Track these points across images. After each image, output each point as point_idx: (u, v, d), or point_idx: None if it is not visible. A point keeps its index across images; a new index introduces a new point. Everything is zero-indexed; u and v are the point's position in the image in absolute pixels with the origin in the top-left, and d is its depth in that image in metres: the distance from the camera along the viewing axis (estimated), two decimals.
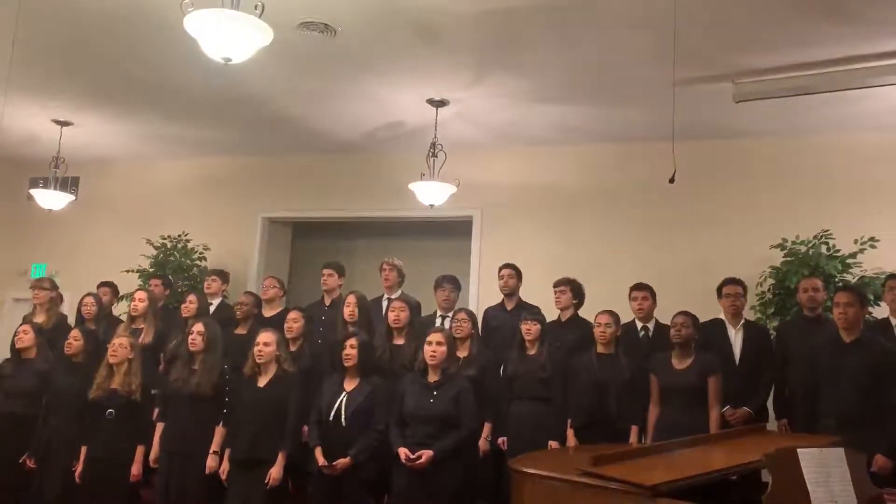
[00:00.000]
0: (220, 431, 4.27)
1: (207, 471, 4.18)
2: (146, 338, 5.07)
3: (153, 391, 4.54)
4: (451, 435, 3.95)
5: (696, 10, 3.90)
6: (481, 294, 6.36)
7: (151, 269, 6.84)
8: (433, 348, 4.08)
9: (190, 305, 5.30)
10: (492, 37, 4.40)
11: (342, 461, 3.95)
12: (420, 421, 3.99)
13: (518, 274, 5.24)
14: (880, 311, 4.71)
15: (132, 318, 5.25)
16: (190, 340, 4.38)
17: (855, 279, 5.07)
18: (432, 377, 4.09)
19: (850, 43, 4.18)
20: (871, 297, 4.72)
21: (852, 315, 4.00)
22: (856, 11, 3.84)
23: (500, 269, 5.28)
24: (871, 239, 5.19)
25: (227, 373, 4.39)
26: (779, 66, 4.52)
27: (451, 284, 5.22)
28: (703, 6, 3.89)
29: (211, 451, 4.22)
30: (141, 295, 5.34)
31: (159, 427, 4.36)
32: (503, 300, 5.27)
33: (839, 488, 2.74)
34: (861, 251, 5.19)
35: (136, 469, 4.30)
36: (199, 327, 4.42)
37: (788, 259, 5.33)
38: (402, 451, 3.92)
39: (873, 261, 5.13)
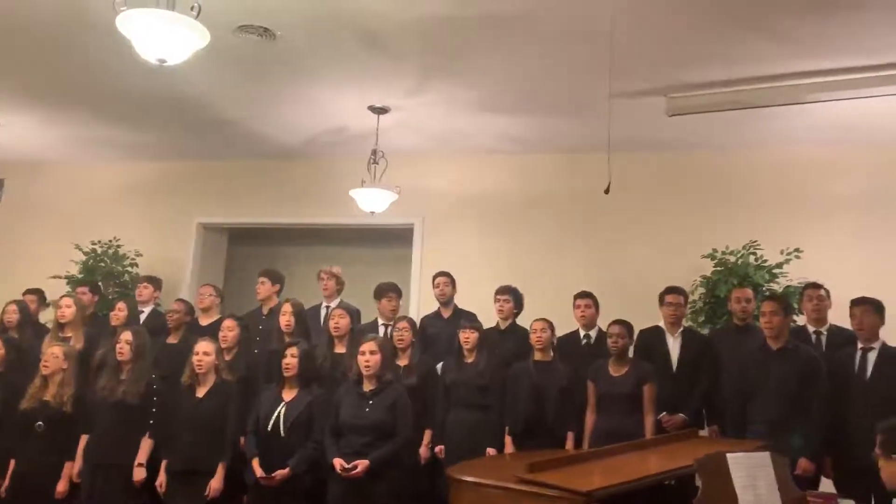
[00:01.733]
0: (146, 443, 4.15)
1: (134, 484, 4.06)
2: (76, 345, 4.88)
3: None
4: (387, 444, 3.92)
5: (632, 25, 3.99)
6: (422, 302, 6.35)
7: (81, 276, 6.62)
8: (366, 357, 4.05)
9: (119, 313, 5.15)
10: (433, 45, 4.41)
11: (281, 472, 3.89)
12: (355, 431, 3.95)
13: (452, 282, 5.25)
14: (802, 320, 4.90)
15: (60, 326, 5.05)
16: (118, 349, 4.26)
17: (781, 288, 5.26)
18: (368, 386, 4.06)
19: (778, 60, 4.34)
20: (796, 306, 4.91)
21: (777, 323, 4.16)
22: (784, 30, 3.98)
23: (435, 277, 5.29)
24: (797, 250, 5.39)
25: (155, 382, 4.28)
26: (710, 81, 4.66)
27: (396, 293, 5.22)
28: (639, 22, 3.98)
29: (136, 463, 4.10)
30: (68, 301, 5.13)
31: (83, 439, 4.22)
32: (439, 308, 5.28)
33: (765, 491, 2.84)
34: (787, 261, 5.38)
35: (61, 486, 4.13)
36: (126, 336, 4.30)
37: (718, 269, 5.48)
38: (338, 462, 3.87)
39: (799, 271, 5.32)
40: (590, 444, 4.29)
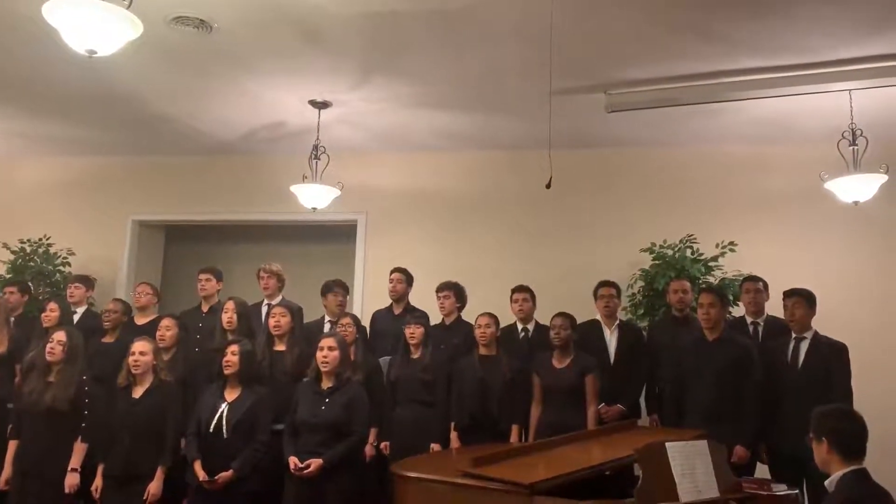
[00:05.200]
0: (79, 447, 4.01)
1: (67, 490, 3.92)
2: None
3: (10, 406, 4.22)
4: (341, 442, 3.90)
5: (571, 23, 4.03)
6: (365, 298, 6.32)
7: (9, 276, 6.36)
8: (325, 353, 4.02)
9: (51, 314, 4.96)
10: (374, 40, 4.37)
11: (225, 475, 3.82)
12: (311, 429, 3.92)
13: (408, 279, 5.24)
14: (739, 311, 5.04)
15: None
16: (48, 350, 4.09)
17: (717, 281, 5.40)
18: (326, 384, 4.04)
19: (714, 59, 4.45)
20: (731, 298, 5.05)
21: (714, 314, 4.28)
22: (719, 30, 4.09)
23: (391, 273, 5.27)
24: (731, 243, 5.54)
25: (86, 384, 4.13)
26: (648, 78, 4.74)
27: (342, 289, 5.18)
28: (579, 20, 4.02)
29: (70, 468, 3.95)
30: None
31: (12, 445, 4.05)
32: (391, 305, 5.25)
33: (703, 479, 2.92)
34: (722, 255, 5.53)
35: None
36: (60, 336, 4.14)
37: (657, 262, 5.60)
38: (292, 460, 3.85)
39: (733, 264, 5.48)
40: (534, 436, 4.34)
